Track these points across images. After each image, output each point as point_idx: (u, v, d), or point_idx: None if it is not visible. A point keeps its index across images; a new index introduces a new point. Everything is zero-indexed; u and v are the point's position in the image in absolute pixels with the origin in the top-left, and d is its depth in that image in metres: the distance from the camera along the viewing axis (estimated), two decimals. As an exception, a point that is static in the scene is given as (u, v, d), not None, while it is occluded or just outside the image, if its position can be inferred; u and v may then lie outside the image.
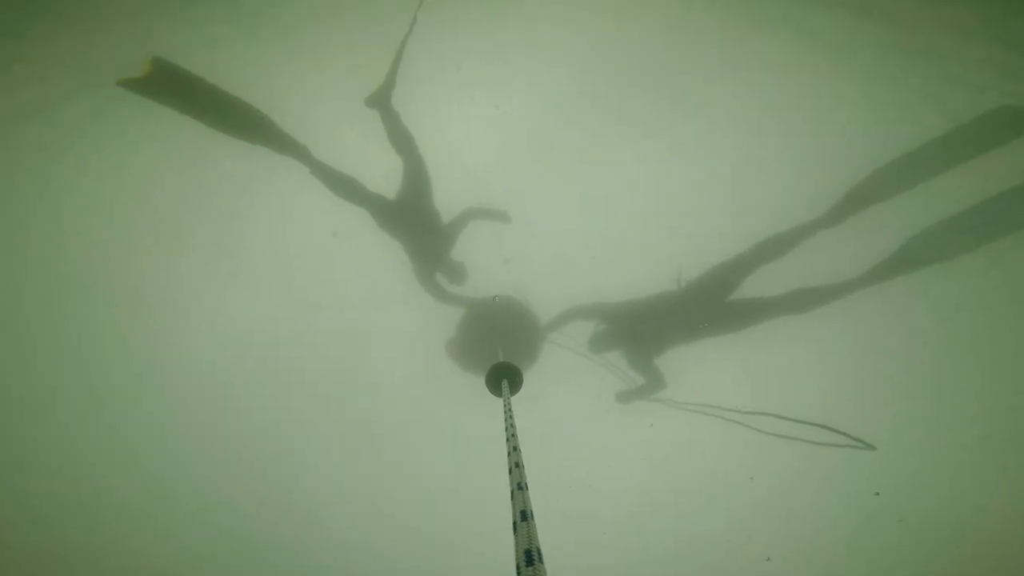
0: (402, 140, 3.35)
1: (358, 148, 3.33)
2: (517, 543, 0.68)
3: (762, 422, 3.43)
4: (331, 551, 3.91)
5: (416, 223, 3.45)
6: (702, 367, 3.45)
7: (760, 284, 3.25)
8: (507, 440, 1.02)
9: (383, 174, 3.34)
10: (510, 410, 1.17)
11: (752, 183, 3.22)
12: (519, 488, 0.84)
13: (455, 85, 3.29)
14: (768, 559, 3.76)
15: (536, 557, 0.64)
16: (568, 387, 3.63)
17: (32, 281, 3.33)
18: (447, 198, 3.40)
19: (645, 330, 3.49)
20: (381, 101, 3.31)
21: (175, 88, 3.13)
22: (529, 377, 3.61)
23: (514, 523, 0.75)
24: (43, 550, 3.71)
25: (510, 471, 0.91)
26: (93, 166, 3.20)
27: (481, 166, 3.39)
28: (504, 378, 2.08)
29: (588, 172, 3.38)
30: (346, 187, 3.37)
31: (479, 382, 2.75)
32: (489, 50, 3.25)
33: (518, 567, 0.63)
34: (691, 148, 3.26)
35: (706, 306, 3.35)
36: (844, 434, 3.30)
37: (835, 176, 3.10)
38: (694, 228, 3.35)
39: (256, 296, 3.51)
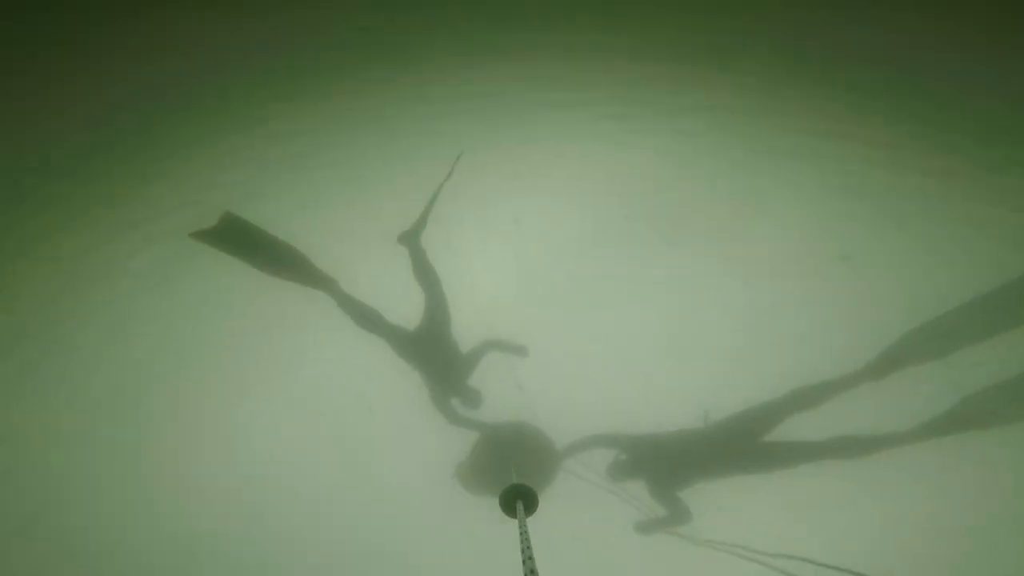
0: (426, 276, 3.68)
1: (383, 283, 3.67)
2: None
3: (790, 566, 3.06)
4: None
5: (434, 353, 3.62)
6: (726, 505, 3.22)
7: (792, 430, 3.13)
8: (523, 563, 1.10)
9: (407, 309, 3.63)
10: (526, 532, 1.23)
11: (783, 324, 3.24)
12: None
13: (481, 228, 3.71)
14: None
15: None
16: (584, 515, 3.46)
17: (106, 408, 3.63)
18: (465, 330, 3.61)
19: (667, 464, 3.34)
20: (412, 239, 3.72)
21: (235, 238, 3.63)
22: (544, 504, 3.46)
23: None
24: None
25: (523, 589, 0.97)
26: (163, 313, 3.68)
27: (498, 299, 3.67)
28: (519, 499, 2.09)
29: (607, 308, 3.55)
30: (370, 320, 3.65)
31: (493, 504, 2.72)
32: (510, 189, 3.67)
33: None
34: (720, 285, 3.37)
35: (734, 445, 3.23)
36: None
37: (874, 330, 3.06)
38: (722, 372, 3.34)
39: (277, 426, 3.74)
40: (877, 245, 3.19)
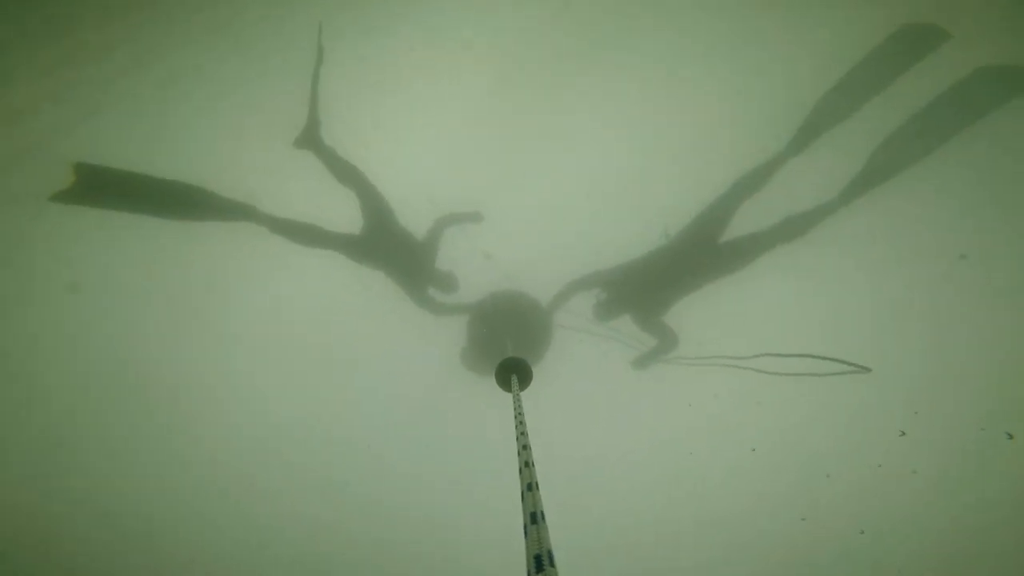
0: (346, 171, 3.33)
1: (307, 196, 3.33)
2: (528, 547, 0.65)
3: (767, 363, 3.37)
4: (335, 556, 3.89)
5: (391, 248, 3.45)
6: (705, 316, 3.40)
7: (745, 223, 3.25)
8: (517, 438, 0.98)
9: (342, 213, 3.35)
10: (519, 406, 1.13)
11: (707, 129, 3.23)
12: (529, 489, 0.80)
13: (377, 104, 3.29)
14: (803, 519, 3.59)
15: (547, 561, 0.60)
16: (584, 366, 3.59)
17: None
18: (413, 215, 3.40)
19: (645, 289, 3.44)
20: (311, 139, 3.29)
21: (108, 189, 3.15)
22: (547, 361, 3.59)
23: (524, 526, 0.71)
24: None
25: (520, 471, 0.87)
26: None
27: (436, 169, 3.39)
28: (513, 372, 2.04)
29: (548, 148, 3.35)
30: (310, 236, 3.36)
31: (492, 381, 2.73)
32: (407, 54, 3.23)
33: (528, 572, 0.59)
34: (636, 107, 3.27)
35: (700, 253, 3.33)
36: (840, 360, 3.23)
37: (787, 107, 3.13)
38: (666, 183, 3.33)
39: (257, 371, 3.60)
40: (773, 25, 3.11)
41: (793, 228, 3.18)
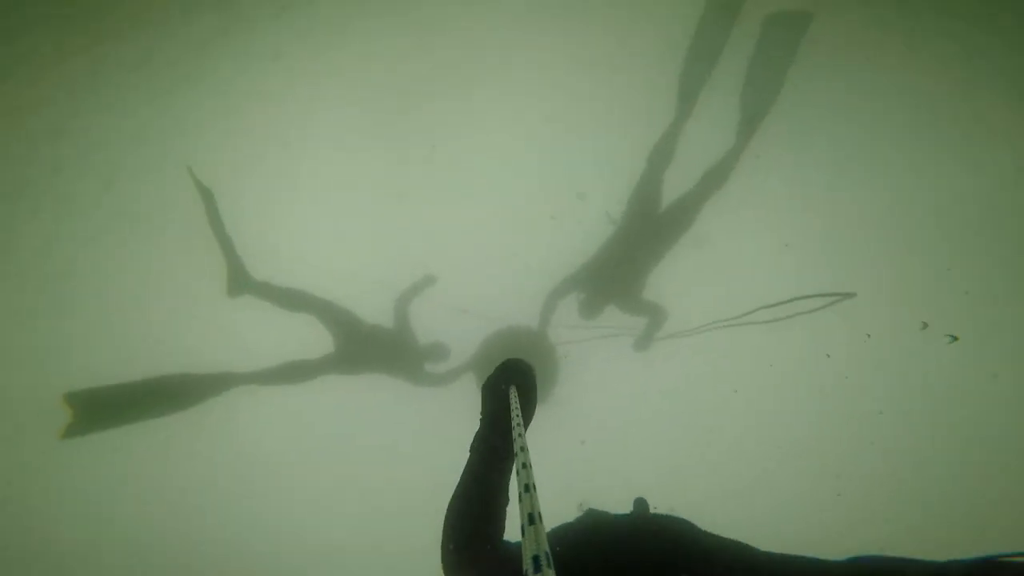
0: (289, 296, 3.30)
1: (271, 337, 3.34)
2: (525, 548, 0.64)
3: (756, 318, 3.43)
4: (326, 555, 3.86)
5: (372, 349, 3.42)
6: (680, 290, 3.45)
7: (676, 186, 3.32)
8: (515, 439, 0.98)
9: (309, 337, 3.35)
10: (517, 408, 1.12)
11: (603, 111, 3.26)
12: (527, 490, 0.79)
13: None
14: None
15: (545, 563, 0.59)
16: (596, 367, 3.59)
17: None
18: (372, 307, 3.39)
19: (617, 276, 3.48)
20: (239, 284, 3.25)
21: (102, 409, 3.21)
22: (561, 376, 3.58)
23: (522, 527, 0.71)
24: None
25: (517, 472, 0.86)
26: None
27: (369, 253, 3.38)
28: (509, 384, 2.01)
29: (458, 182, 3.38)
30: (296, 373, 3.33)
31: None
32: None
33: (526, 573, 0.59)
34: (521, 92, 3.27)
35: (651, 226, 3.37)
36: (822, 294, 3.31)
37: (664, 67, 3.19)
38: (589, 175, 3.36)
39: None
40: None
41: (725, 179, 3.26)
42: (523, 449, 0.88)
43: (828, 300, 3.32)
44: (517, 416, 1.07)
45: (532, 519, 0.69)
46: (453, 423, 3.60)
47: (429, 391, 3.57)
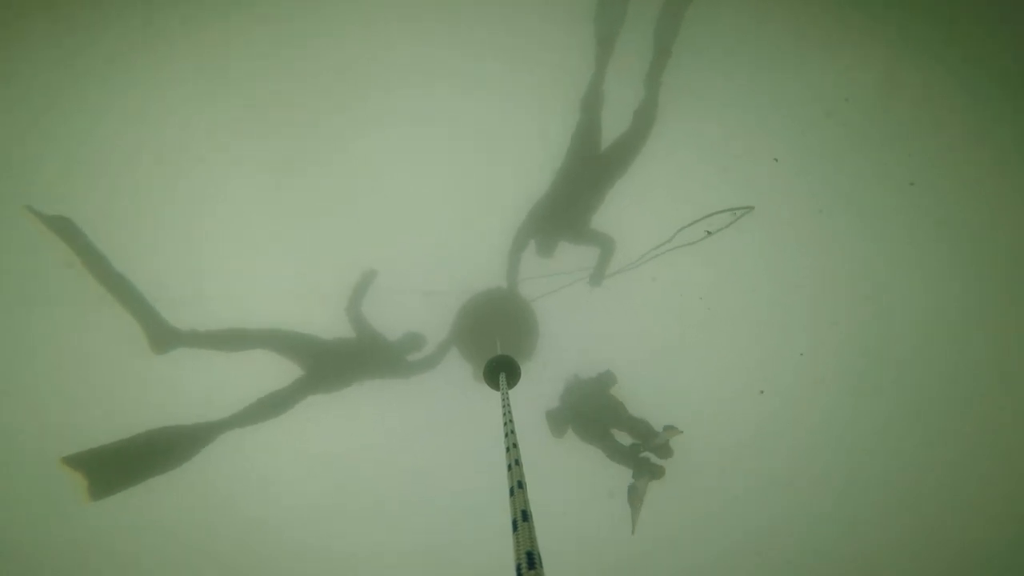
0: (258, 335, 3.23)
1: (246, 375, 3.25)
2: (517, 545, 0.64)
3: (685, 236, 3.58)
4: (323, 553, 3.85)
5: (347, 357, 3.40)
6: (615, 222, 3.53)
7: (609, 135, 3.39)
8: (505, 436, 0.98)
9: (280, 368, 3.27)
10: (508, 404, 1.12)
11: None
12: (519, 487, 0.80)
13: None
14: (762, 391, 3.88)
15: (537, 560, 0.60)
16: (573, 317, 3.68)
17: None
18: (332, 318, 3.34)
19: (565, 215, 3.52)
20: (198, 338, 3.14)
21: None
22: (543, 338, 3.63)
23: (514, 523, 0.71)
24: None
25: (509, 468, 0.86)
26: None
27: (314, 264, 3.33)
28: (501, 371, 2.03)
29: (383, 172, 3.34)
30: (281, 402, 3.29)
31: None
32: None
33: (519, 569, 0.59)
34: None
35: (583, 168, 3.44)
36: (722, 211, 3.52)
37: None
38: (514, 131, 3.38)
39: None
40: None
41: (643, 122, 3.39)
42: (515, 446, 0.89)
43: (734, 215, 3.56)
44: (508, 414, 1.07)
45: (525, 516, 0.69)
46: (453, 403, 3.62)
47: (418, 379, 3.55)
